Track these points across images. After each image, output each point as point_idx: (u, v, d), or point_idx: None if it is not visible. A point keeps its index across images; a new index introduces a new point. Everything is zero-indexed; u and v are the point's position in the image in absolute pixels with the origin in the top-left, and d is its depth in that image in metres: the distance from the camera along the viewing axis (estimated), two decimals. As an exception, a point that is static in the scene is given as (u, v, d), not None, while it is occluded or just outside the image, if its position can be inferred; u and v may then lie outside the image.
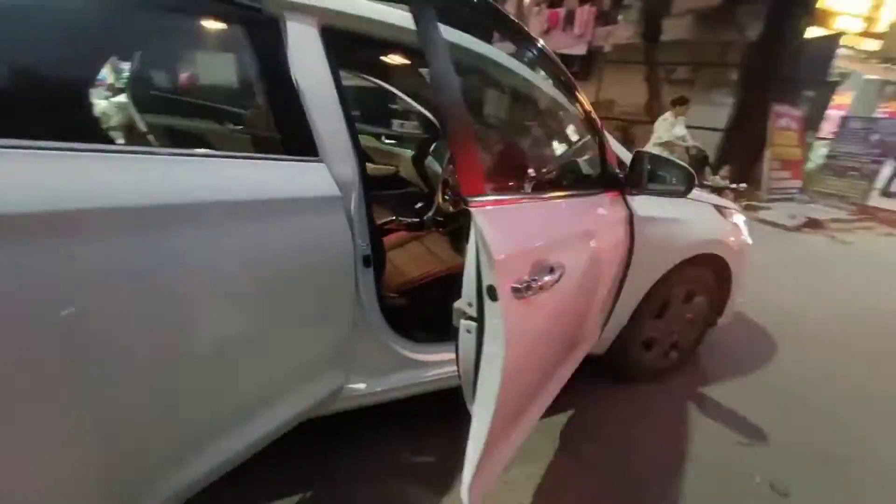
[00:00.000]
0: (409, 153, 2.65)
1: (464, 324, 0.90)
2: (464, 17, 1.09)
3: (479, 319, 0.83)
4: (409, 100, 2.52)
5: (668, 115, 5.25)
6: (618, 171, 1.32)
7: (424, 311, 1.32)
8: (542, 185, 1.56)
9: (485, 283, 0.79)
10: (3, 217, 0.58)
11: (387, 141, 3.16)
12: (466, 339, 0.90)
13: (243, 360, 0.89)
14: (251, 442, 0.96)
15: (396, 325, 1.21)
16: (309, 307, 0.98)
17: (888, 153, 6.17)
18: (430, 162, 2.49)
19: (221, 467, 0.92)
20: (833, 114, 7.25)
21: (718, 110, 6.78)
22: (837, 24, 7.44)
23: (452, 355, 0.96)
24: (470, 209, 0.77)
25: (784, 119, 6.36)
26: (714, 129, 6.60)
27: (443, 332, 1.10)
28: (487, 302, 0.80)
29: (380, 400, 1.24)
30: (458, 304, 0.91)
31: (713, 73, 7.67)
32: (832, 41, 6.71)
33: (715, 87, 7.52)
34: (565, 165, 1.67)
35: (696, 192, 1.51)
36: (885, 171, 6.24)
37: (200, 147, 0.85)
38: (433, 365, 1.29)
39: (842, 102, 7.99)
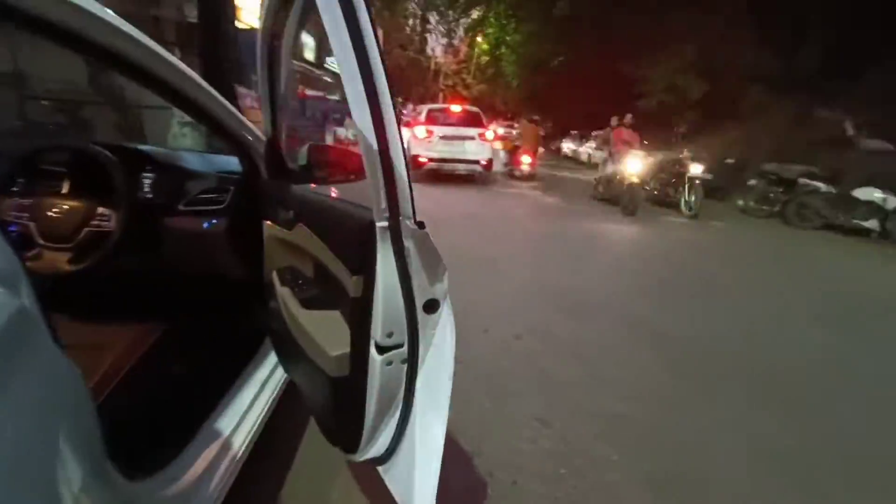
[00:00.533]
0: None
1: (383, 358, 0.86)
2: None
3: (412, 340, 0.85)
4: None
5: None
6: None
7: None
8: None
9: (421, 301, 0.82)
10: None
11: None
12: (389, 371, 0.87)
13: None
14: None
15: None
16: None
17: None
18: None
19: None
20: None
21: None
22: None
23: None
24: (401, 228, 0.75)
25: (247, 99, 7.33)
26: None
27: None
28: (422, 317, 0.84)
29: None
30: (354, 348, 0.85)
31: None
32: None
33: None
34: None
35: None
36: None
37: None
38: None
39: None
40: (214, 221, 1.47)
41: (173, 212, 1.45)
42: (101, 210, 1.21)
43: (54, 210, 1.19)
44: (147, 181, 1.51)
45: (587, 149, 15.84)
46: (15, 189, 1.21)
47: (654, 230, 6.41)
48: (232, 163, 1.63)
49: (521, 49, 20.93)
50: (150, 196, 1.49)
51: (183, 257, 1.53)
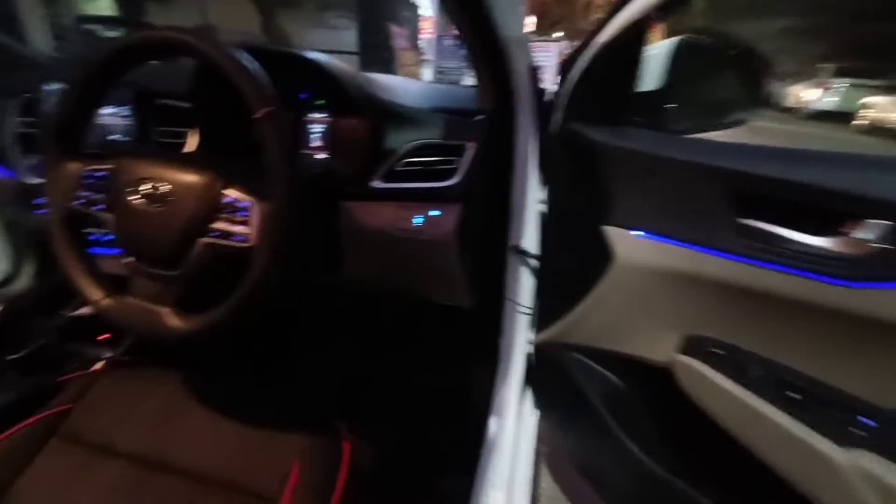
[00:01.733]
0: None
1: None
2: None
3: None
4: None
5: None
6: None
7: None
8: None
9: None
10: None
11: None
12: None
13: None
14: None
15: None
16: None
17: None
18: None
19: None
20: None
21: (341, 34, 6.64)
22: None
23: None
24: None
25: (400, 38, 6.74)
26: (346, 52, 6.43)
27: None
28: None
29: None
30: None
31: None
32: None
33: (323, 9, 7.21)
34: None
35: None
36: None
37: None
38: None
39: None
40: (434, 214, 0.73)
41: (360, 193, 0.75)
42: (234, 195, 0.52)
43: (159, 197, 0.53)
44: (317, 131, 0.82)
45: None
46: (94, 151, 0.60)
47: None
48: (460, 97, 0.87)
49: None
50: (320, 162, 0.81)
51: (373, 277, 0.86)
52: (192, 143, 0.78)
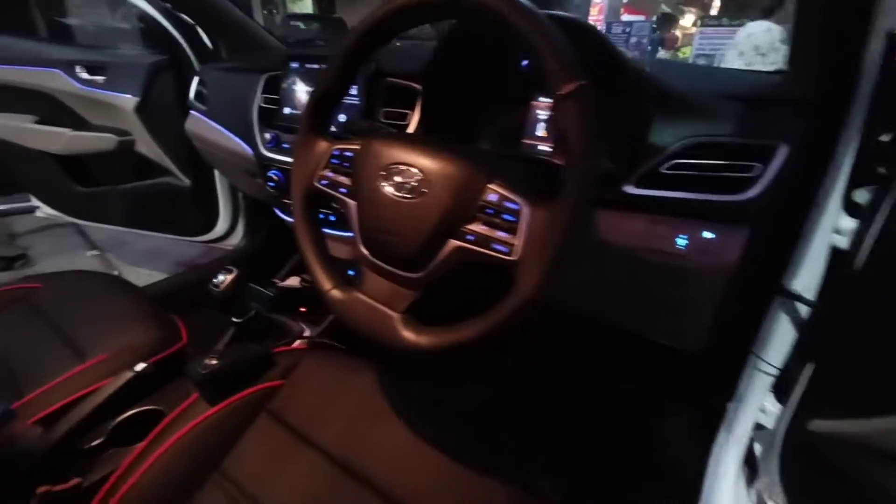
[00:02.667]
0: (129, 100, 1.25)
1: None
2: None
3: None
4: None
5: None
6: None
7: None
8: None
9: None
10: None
11: (85, 77, 1.35)
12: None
13: None
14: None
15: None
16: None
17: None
18: (195, 120, 1.02)
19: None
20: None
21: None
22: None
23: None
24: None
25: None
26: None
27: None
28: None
29: None
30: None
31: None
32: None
33: None
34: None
35: None
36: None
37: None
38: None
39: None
40: (708, 236, 0.54)
41: (606, 200, 0.59)
42: (500, 193, 0.40)
43: (410, 186, 0.45)
44: (544, 117, 0.70)
45: None
46: (332, 128, 0.56)
47: None
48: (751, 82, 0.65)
49: None
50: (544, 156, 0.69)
51: (595, 302, 0.71)
52: (412, 124, 0.72)
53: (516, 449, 0.59)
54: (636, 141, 0.56)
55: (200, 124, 1.11)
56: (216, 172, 1.45)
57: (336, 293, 0.50)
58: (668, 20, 5.63)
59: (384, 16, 0.45)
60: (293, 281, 0.89)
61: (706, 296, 0.59)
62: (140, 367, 0.65)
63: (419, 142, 0.45)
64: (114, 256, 2.04)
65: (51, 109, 1.43)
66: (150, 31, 3.22)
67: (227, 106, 1.02)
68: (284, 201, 0.84)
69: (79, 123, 1.43)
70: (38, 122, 1.47)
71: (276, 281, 0.88)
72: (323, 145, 0.52)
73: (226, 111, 1.02)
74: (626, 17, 8.31)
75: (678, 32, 5.68)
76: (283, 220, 0.96)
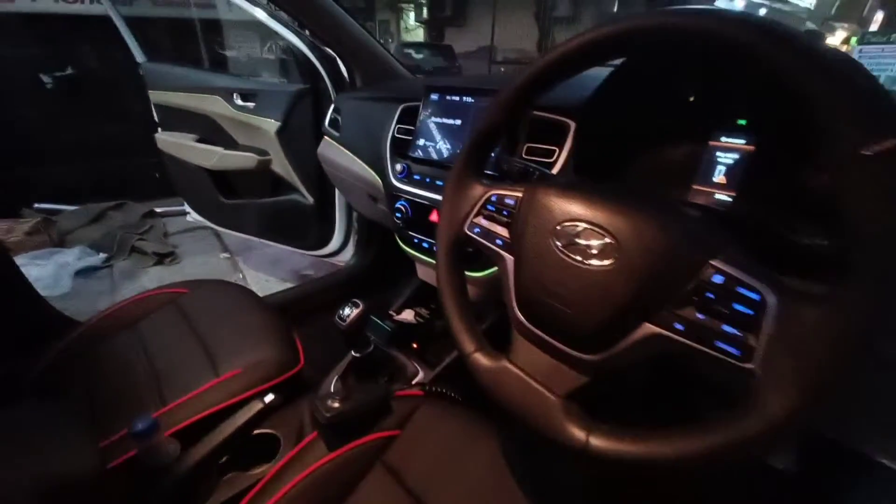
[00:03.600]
0: (271, 124, 1.39)
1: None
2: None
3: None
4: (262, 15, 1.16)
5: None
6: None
7: None
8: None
9: None
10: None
11: (239, 103, 1.53)
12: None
13: None
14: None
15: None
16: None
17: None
18: (328, 145, 1.06)
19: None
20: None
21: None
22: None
23: None
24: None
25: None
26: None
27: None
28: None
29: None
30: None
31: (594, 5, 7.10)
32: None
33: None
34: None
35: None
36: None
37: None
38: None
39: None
40: None
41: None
42: (731, 274, 0.31)
43: (595, 249, 0.38)
44: (726, 160, 0.58)
45: None
46: (490, 173, 0.50)
47: None
48: None
49: None
50: (724, 206, 0.57)
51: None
52: (559, 163, 0.65)
53: None
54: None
55: (332, 149, 1.17)
56: (336, 193, 1.53)
57: (481, 359, 0.44)
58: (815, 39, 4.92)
59: (583, 45, 0.39)
60: (408, 314, 0.86)
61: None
62: (269, 398, 0.66)
63: (605, 195, 0.38)
64: (241, 260, 2.26)
65: (208, 129, 1.64)
66: (287, 62, 3.61)
67: (359, 133, 1.05)
68: (409, 233, 0.82)
69: (229, 142, 1.62)
70: (198, 141, 1.69)
71: (392, 313, 0.86)
72: (478, 189, 0.47)
73: (358, 138, 1.05)
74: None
75: (829, 52, 4.94)
76: (395, 243, 0.94)
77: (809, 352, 0.27)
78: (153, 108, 1.76)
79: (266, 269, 2.16)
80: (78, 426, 0.57)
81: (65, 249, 2.14)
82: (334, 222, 1.58)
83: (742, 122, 0.59)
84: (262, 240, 1.77)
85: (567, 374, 0.38)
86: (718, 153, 0.59)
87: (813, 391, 0.26)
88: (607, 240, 0.35)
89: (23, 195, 2.56)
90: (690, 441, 0.31)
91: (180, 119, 1.70)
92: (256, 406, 0.65)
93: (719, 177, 0.60)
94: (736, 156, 0.58)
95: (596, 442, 0.35)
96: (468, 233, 0.47)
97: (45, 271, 1.89)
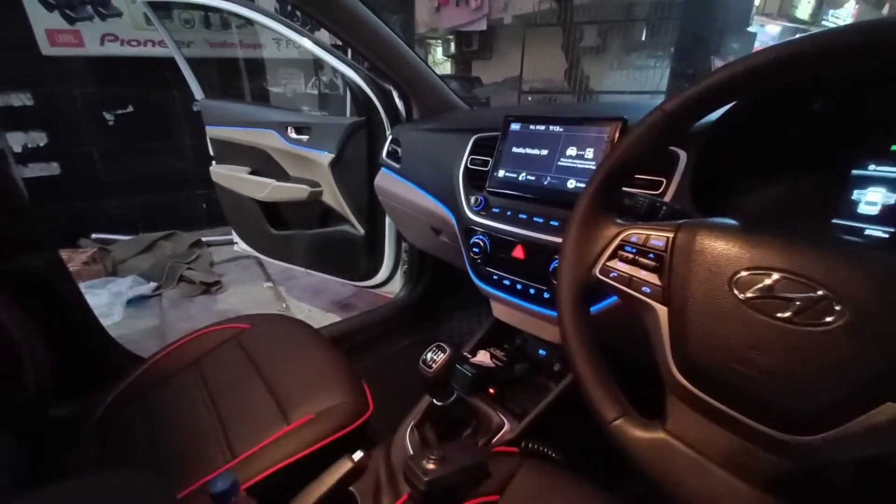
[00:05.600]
0: (325, 156, 1.41)
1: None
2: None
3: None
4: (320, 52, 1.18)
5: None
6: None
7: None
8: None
9: None
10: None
11: (294, 136, 1.55)
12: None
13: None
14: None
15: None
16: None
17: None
18: (386, 177, 1.06)
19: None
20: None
21: (645, 73, 6.42)
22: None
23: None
24: None
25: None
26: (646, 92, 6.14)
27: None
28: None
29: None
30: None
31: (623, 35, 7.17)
32: (748, -12, 6.41)
33: (629, 50, 7.11)
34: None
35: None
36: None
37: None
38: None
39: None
40: None
41: None
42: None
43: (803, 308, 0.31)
44: (876, 193, 0.51)
45: None
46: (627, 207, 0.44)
47: None
48: None
49: None
50: (875, 242, 0.50)
51: None
52: (668, 194, 0.59)
53: None
54: None
55: (391, 181, 1.15)
56: (386, 224, 1.51)
57: (630, 429, 0.37)
58: None
59: (758, 66, 0.33)
60: (483, 356, 0.79)
61: None
62: (358, 456, 0.60)
63: (790, 238, 0.32)
64: (283, 289, 2.26)
65: (261, 162, 1.66)
66: (328, 96, 3.73)
67: (424, 165, 1.03)
68: (488, 269, 0.77)
69: (280, 174, 1.63)
70: (250, 173, 1.72)
71: (468, 355, 0.79)
72: (612, 229, 0.42)
73: (422, 170, 1.02)
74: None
75: None
76: (447, 274, 0.89)
77: None
78: (209, 143, 1.81)
79: (308, 299, 2.15)
80: (157, 487, 0.52)
81: (118, 279, 2.20)
82: (383, 253, 1.56)
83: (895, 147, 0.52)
84: (308, 270, 1.76)
85: (764, 460, 0.31)
86: (867, 184, 0.52)
87: None
88: (820, 292, 0.29)
89: (81, 225, 2.67)
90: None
91: (234, 152, 1.74)
92: (345, 465, 0.59)
93: (867, 209, 0.52)
94: (892, 186, 0.51)
95: None
96: (601, 277, 0.41)
97: (101, 300, 1.93)
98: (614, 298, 0.45)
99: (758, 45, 8.47)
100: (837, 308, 0.28)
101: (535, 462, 0.58)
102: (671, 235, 0.38)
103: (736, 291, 0.32)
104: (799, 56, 0.32)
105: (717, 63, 5.65)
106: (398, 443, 0.68)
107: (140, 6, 2.43)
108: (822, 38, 0.31)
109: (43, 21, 2.41)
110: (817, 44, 0.31)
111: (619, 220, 0.42)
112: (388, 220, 1.48)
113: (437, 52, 12.29)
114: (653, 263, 0.38)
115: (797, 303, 0.30)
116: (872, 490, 0.49)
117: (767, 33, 8.78)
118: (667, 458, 0.35)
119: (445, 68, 11.81)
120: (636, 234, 0.40)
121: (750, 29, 6.83)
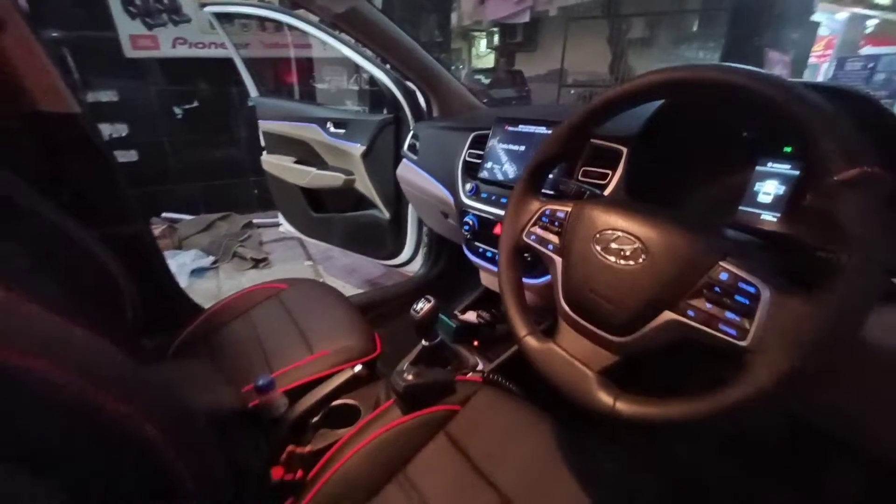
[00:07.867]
0: (358, 148, 1.61)
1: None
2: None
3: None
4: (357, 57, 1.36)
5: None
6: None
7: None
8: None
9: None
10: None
11: (333, 130, 1.77)
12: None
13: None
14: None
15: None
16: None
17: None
18: (406, 167, 1.24)
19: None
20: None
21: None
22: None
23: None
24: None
25: (778, 67, 5.53)
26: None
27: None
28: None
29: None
30: None
31: (672, 26, 6.90)
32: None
33: (678, 42, 6.83)
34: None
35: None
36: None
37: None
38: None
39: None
40: None
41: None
42: (734, 273, 0.39)
43: (626, 253, 0.48)
44: (770, 189, 0.64)
45: None
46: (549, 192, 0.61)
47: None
48: None
49: None
50: (769, 228, 0.62)
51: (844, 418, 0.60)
52: (612, 184, 0.74)
53: None
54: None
55: (410, 171, 1.33)
56: (409, 210, 1.70)
57: (531, 341, 0.54)
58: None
59: (620, 95, 0.49)
60: (470, 316, 0.97)
61: None
62: (357, 368, 0.80)
63: (638, 210, 0.47)
64: (322, 268, 2.52)
65: (305, 153, 1.90)
66: (366, 92, 3.95)
67: (435, 157, 1.20)
68: (476, 244, 0.94)
69: (320, 164, 1.86)
70: (295, 162, 1.96)
71: (457, 313, 0.97)
72: (535, 204, 0.58)
73: (434, 161, 1.20)
74: (867, 51, 6.81)
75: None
76: (461, 255, 1.07)
77: (793, 334, 0.34)
78: (261, 135, 2.07)
79: (343, 277, 2.39)
80: (224, 379, 0.75)
81: (183, 252, 2.54)
82: (406, 235, 1.75)
83: (788, 149, 0.64)
84: (343, 249, 1.99)
85: (602, 354, 0.47)
86: (766, 178, 0.65)
87: (795, 363, 0.33)
88: (637, 245, 0.44)
89: (153, 206, 3.07)
90: (695, 404, 0.38)
91: (282, 144, 1.99)
92: (346, 375, 0.79)
93: (764, 198, 0.65)
94: (781, 180, 0.63)
95: (621, 406, 0.43)
96: (526, 240, 0.58)
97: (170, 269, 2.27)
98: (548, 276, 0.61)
99: (829, 35, 7.76)
100: (643, 255, 0.43)
101: (494, 388, 0.75)
102: (570, 209, 0.53)
103: (595, 245, 0.48)
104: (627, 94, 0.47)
105: (772, 56, 5.38)
106: (396, 374, 0.87)
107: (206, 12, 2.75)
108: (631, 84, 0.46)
109: (127, 28, 2.78)
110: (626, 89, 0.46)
111: (541, 199, 0.58)
112: (410, 206, 1.67)
113: (481, 45, 12.27)
114: (556, 228, 0.54)
115: (625, 251, 0.45)
116: (797, 447, 0.61)
117: (837, 21, 8.08)
118: (550, 359, 0.51)
119: (488, 61, 11.80)
120: (550, 208, 0.56)
121: (814, 18, 6.38)
